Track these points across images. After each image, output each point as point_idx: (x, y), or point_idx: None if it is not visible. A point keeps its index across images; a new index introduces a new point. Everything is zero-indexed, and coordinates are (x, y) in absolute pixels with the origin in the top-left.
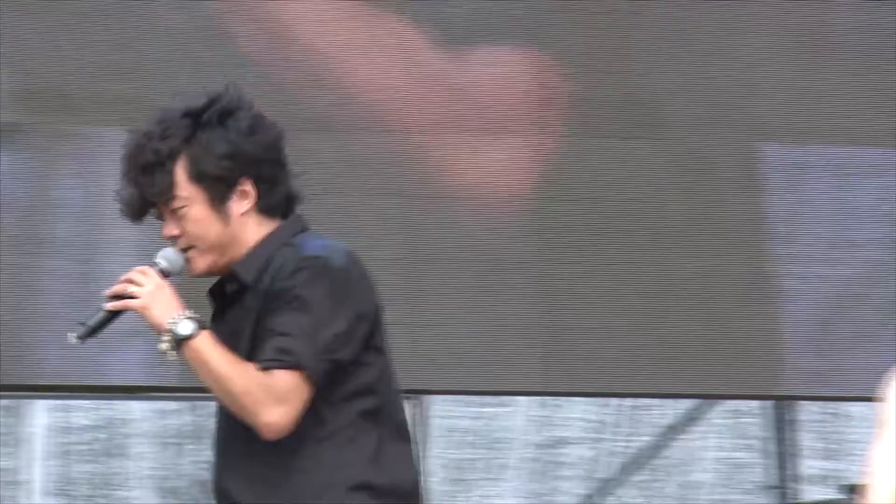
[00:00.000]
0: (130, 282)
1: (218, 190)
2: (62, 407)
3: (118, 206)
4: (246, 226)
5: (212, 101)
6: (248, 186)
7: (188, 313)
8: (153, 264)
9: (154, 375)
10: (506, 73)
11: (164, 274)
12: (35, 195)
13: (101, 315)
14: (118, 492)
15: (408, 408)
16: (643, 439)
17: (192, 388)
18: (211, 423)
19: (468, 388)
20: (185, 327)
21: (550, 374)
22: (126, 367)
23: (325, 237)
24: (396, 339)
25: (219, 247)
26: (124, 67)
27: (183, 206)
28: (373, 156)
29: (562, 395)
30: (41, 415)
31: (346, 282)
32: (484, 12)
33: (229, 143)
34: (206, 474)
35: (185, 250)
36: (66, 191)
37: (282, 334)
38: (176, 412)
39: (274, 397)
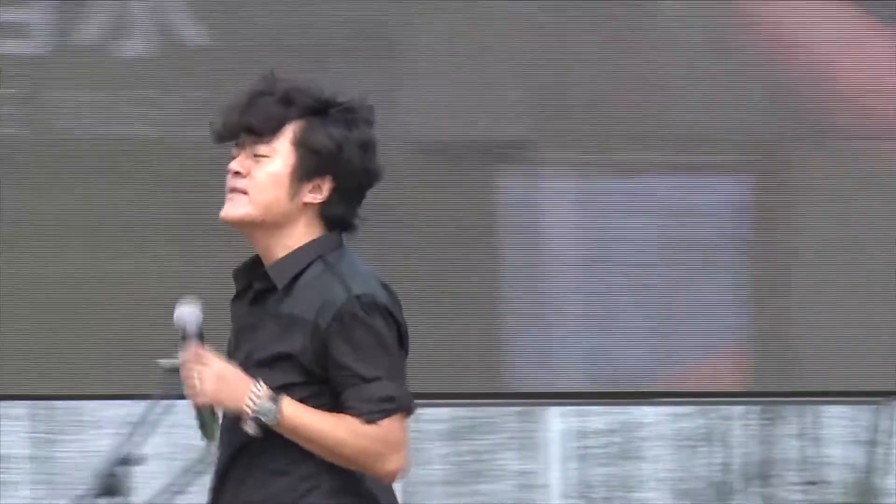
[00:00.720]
0: (192, 375)
1: (306, 165)
2: (578, 412)
3: (213, 125)
4: (299, 217)
5: (348, 103)
6: (326, 185)
7: (260, 389)
8: (185, 337)
9: (667, 381)
10: None
11: (199, 336)
12: (536, 215)
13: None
14: (634, 494)
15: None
16: None
17: (704, 392)
18: (722, 427)
19: None
20: (269, 410)
21: None
22: (639, 373)
23: (359, 262)
24: None
25: (267, 211)
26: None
27: (267, 155)
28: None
29: None
30: (557, 420)
31: (384, 316)
32: None
33: (341, 139)
34: (720, 476)
35: (233, 191)
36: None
37: (374, 379)
38: (688, 416)
39: (391, 448)
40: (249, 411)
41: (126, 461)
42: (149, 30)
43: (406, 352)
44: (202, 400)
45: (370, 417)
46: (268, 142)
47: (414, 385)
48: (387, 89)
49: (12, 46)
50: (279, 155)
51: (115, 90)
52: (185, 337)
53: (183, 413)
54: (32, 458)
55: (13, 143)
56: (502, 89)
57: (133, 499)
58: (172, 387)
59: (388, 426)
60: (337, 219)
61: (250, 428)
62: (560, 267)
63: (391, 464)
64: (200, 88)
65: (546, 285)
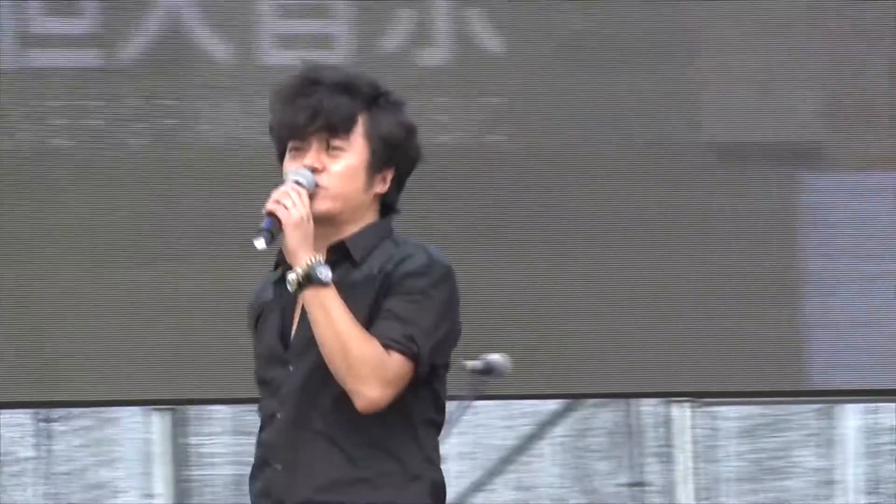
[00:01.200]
0: (283, 199)
1: (378, 158)
2: (873, 409)
3: (276, 122)
4: (369, 207)
5: (387, 91)
6: (390, 175)
7: (319, 256)
8: (295, 181)
9: None
10: None
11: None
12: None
13: (267, 221)
14: None
15: None
16: None
17: None
18: None
19: None
20: (325, 273)
21: None
22: None
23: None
24: None
25: (344, 205)
26: None
27: (343, 150)
28: None
29: None
30: (853, 416)
31: (456, 294)
32: None
33: (403, 128)
34: None
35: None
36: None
37: (407, 322)
38: None
39: (385, 376)
40: (306, 262)
41: None
42: (449, 38)
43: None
44: (282, 217)
45: (388, 343)
46: (342, 135)
47: (712, 383)
48: (682, 94)
49: (317, 56)
50: (354, 148)
51: (415, 98)
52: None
53: (485, 413)
54: None
55: None
56: (798, 92)
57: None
58: (477, 388)
59: (395, 359)
60: (391, 205)
61: (293, 276)
62: (860, 267)
63: (374, 391)
64: (498, 96)
65: (846, 286)
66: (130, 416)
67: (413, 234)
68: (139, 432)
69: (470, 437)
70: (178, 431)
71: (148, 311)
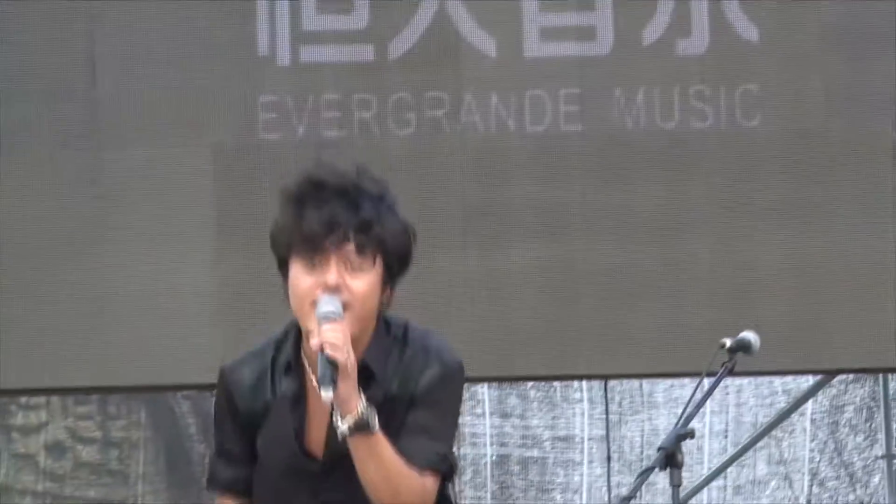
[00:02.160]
0: (336, 342)
1: (392, 272)
2: None
3: (303, 223)
4: (377, 318)
5: (384, 187)
6: (393, 283)
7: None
8: (329, 316)
9: None
10: None
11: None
12: None
13: (329, 369)
14: None
15: None
16: None
17: None
18: None
19: None
20: (374, 417)
21: None
22: None
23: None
24: None
25: (366, 325)
26: None
27: (363, 268)
28: None
29: None
30: None
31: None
32: None
33: (410, 236)
34: None
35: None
36: None
37: (436, 437)
38: None
39: (425, 499)
40: (357, 411)
41: (682, 437)
42: (706, 27)
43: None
44: (341, 365)
45: (425, 465)
46: (363, 252)
47: None
48: None
49: (580, 49)
50: (371, 263)
51: (671, 85)
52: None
53: (740, 391)
54: (593, 438)
55: (584, 138)
56: None
57: (686, 473)
58: (730, 366)
59: (429, 479)
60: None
61: (345, 425)
62: None
63: None
64: (753, 82)
65: None
66: None
67: (675, 214)
68: None
69: (726, 415)
70: None
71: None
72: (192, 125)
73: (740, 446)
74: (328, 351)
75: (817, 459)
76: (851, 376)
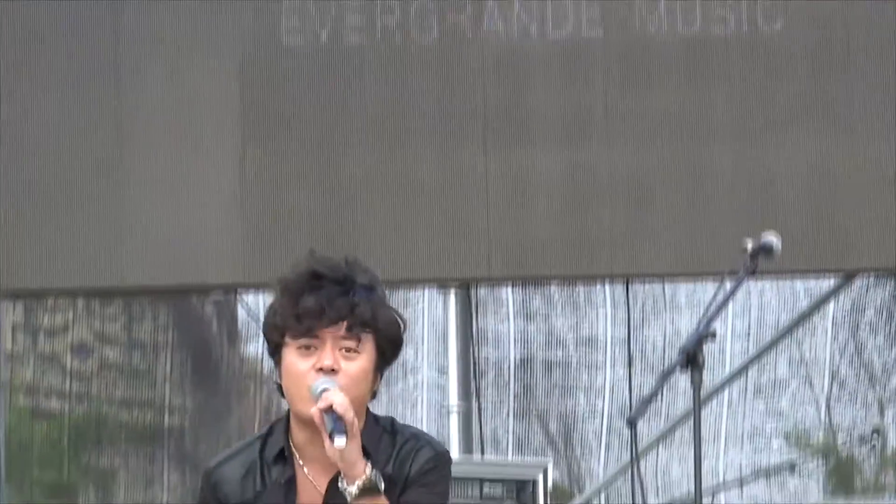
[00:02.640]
0: (337, 400)
1: (382, 360)
2: None
3: (299, 307)
4: (366, 409)
5: (375, 278)
6: (381, 375)
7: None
8: (329, 386)
9: None
10: None
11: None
12: None
13: (337, 423)
14: None
15: None
16: None
17: None
18: None
19: None
20: (381, 479)
21: None
22: None
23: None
24: None
25: (358, 408)
26: None
27: (357, 351)
28: None
29: None
30: None
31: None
32: None
33: (402, 325)
34: None
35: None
36: None
37: None
38: None
39: None
40: (365, 474)
41: (704, 338)
42: None
43: None
44: (349, 423)
45: None
46: (358, 337)
47: None
48: None
49: None
50: (366, 348)
51: None
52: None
53: (757, 293)
54: (616, 340)
55: (605, 44)
56: None
57: (708, 375)
58: (752, 268)
59: None
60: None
61: (354, 489)
62: None
63: None
64: None
65: None
66: (424, 297)
67: (696, 119)
68: (433, 312)
69: (747, 316)
70: (469, 312)
71: (453, 192)
72: (218, 31)
73: (761, 347)
74: (337, 407)
75: (838, 360)
76: (872, 277)
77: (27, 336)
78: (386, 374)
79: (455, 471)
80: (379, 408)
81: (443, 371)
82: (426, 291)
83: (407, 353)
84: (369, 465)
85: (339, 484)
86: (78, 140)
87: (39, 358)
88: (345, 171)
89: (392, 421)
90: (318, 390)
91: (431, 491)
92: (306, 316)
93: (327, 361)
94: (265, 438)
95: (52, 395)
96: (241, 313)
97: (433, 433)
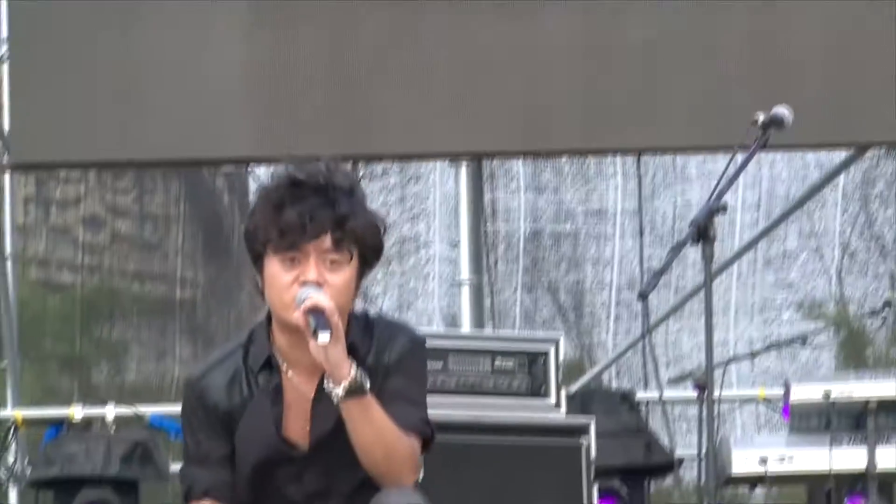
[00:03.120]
0: (319, 300)
1: (366, 264)
2: None
3: (281, 220)
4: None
5: (355, 181)
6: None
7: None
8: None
9: None
10: None
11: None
12: None
13: (319, 319)
14: None
15: None
16: None
17: None
18: None
19: None
20: (367, 380)
21: None
22: None
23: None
24: None
25: (342, 315)
26: None
27: (340, 263)
28: None
29: None
30: None
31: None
32: None
33: (383, 229)
34: None
35: (314, 308)
36: None
37: (416, 402)
38: None
39: (416, 463)
40: (350, 375)
41: (715, 211)
42: None
43: None
44: (334, 325)
45: (408, 429)
46: (340, 248)
47: None
48: None
49: None
50: (347, 258)
51: None
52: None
53: (773, 164)
54: (626, 212)
55: None
56: None
57: (718, 246)
58: (763, 140)
59: (417, 444)
60: None
61: (340, 390)
62: None
63: (411, 478)
64: None
65: None
66: (436, 171)
67: None
68: (444, 186)
69: (758, 188)
70: (480, 185)
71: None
72: None
73: (772, 219)
74: (324, 309)
75: (848, 232)
76: (883, 149)
77: (39, 209)
78: (398, 248)
79: (466, 345)
80: (392, 282)
81: (454, 245)
82: (438, 165)
83: (419, 227)
84: (354, 365)
85: (325, 385)
86: (90, 16)
87: (52, 231)
88: (355, 44)
89: (366, 314)
90: (302, 299)
91: (409, 377)
92: (289, 230)
93: (311, 275)
94: (247, 346)
95: (64, 268)
96: (253, 186)
97: (445, 307)
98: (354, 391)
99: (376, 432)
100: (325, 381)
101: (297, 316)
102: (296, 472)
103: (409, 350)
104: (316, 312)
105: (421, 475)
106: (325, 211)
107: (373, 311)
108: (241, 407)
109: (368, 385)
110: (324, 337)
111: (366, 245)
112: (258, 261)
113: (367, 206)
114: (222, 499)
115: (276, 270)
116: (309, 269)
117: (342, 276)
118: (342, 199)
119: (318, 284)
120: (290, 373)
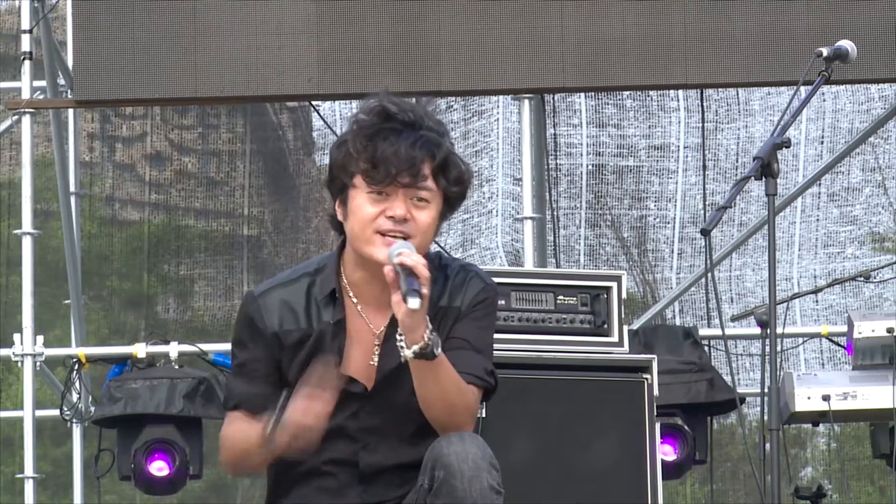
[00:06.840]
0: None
1: (450, 207)
2: None
3: (377, 154)
4: None
5: (446, 129)
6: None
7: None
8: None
9: None
10: None
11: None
12: None
13: (414, 282)
14: None
15: None
16: None
17: None
18: None
19: None
20: (439, 345)
21: None
22: None
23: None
24: None
25: (423, 254)
26: None
27: (427, 200)
28: None
29: None
30: None
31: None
32: None
33: (470, 175)
34: None
35: (405, 238)
36: None
37: (482, 351)
38: None
39: (475, 413)
40: (424, 340)
41: (778, 146)
42: None
43: None
44: (425, 293)
45: (471, 379)
46: (426, 185)
47: None
48: None
49: None
50: (435, 197)
51: None
52: None
53: (831, 99)
54: (688, 146)
55: None
56: None
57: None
58: (826, 74)
59: (478, 394)
60: None
61: (410, 352)
62: None
63: (468, 427)
64: None
65: None
66: (499, 107)
67: None
68: (507, 122)
69: (822, 122)
70: (543, 120)
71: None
72: None
73: (836, 153)
74: (417, 268)
75: None
76: None
77: (105, 145)
78: None
79: (529, 282)
80: (455, 218)
81: (517, 180)
82: (501, 101)
83: (482, 162)
84: (429, 330)
85: (397, 340)
86: None
87: (117, 168)
88: None
89: (440, 254)
90: (396, 253)
91: (480, 325)
92: (382, 164)
93: (399, 211)
94: (314, 276)
95: (129, 205)
96: (317, 122)
97: (507, 243)
98: (424, 356)
99: (441, 390)
100: (398, 337)
101: (387, 270)
102: (352, 409)
103: (482, 298)
104: (410, 274)
105: (484, 413)
106: (419, 148)
107: (434, 248)
108: (301, 337)
109: (440, 349)
110: (413, 303)
111: (453, 187)
112: (342, 191)
113: (455, 152)
114: (255, 411)
115: (362, 202)
116: (397, 205)
117: (428, 214)
118: (436, 138)
119: (404, 220)
120: (359, 307)
